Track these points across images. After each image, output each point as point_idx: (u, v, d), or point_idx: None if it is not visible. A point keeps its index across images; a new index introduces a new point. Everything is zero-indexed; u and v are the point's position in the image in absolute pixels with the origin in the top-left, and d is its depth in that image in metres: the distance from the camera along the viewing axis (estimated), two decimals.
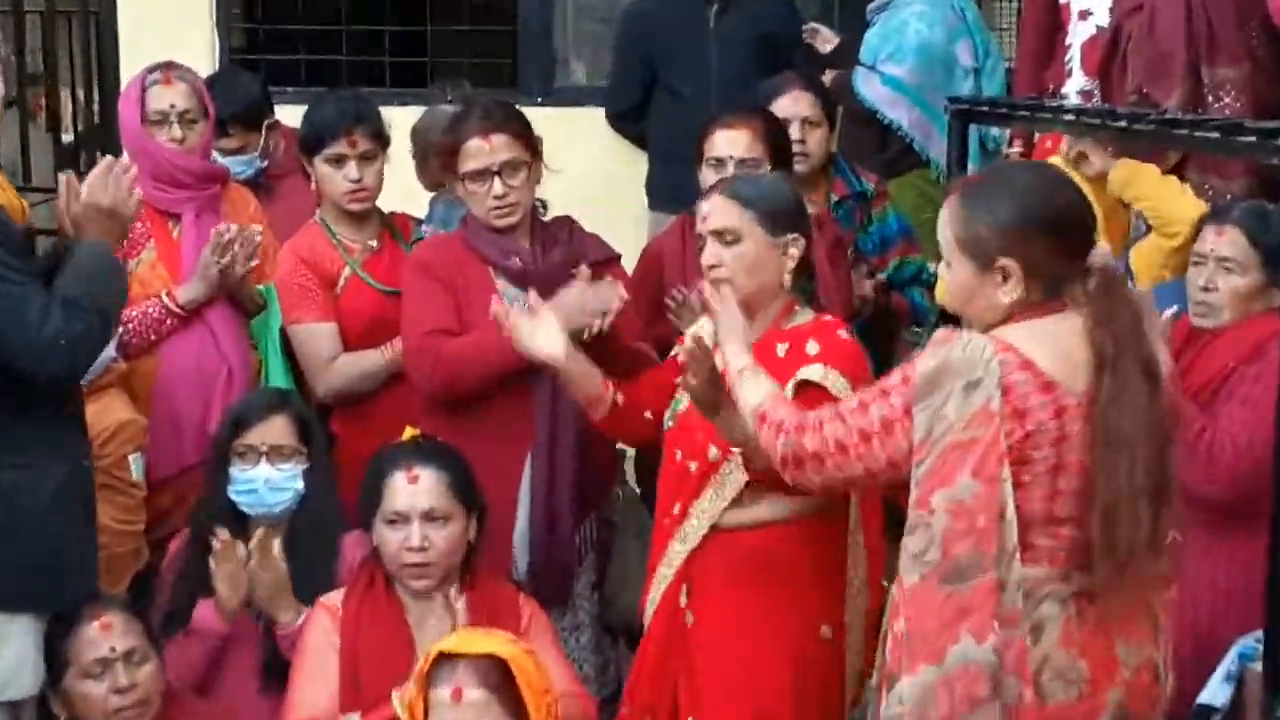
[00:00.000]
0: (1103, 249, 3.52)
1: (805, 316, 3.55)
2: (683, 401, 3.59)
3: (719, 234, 3.50)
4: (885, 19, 5.82)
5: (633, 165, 6.04)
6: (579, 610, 4.16)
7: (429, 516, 3.59)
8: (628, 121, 6.16)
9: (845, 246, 4.58)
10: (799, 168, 4.57)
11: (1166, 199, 4.40)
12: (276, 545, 3.74)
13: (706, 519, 3.51)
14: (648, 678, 3.60)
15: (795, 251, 3.51)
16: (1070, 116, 4.34)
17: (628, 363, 3.84)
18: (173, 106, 4.46)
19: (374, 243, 4.46)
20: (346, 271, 4.37)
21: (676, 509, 3.57)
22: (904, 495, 2.94)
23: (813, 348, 3.45)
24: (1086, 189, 3.40)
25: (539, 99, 6.18)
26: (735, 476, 3.46)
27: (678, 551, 3.56)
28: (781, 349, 3.41)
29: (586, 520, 4.16)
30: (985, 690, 2.79)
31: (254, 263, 4.39)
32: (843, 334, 3.57)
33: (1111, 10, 5.14)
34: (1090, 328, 2.89)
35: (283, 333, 4.46)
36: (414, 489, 3.61)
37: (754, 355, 3.25)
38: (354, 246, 4.43)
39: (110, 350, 4.04)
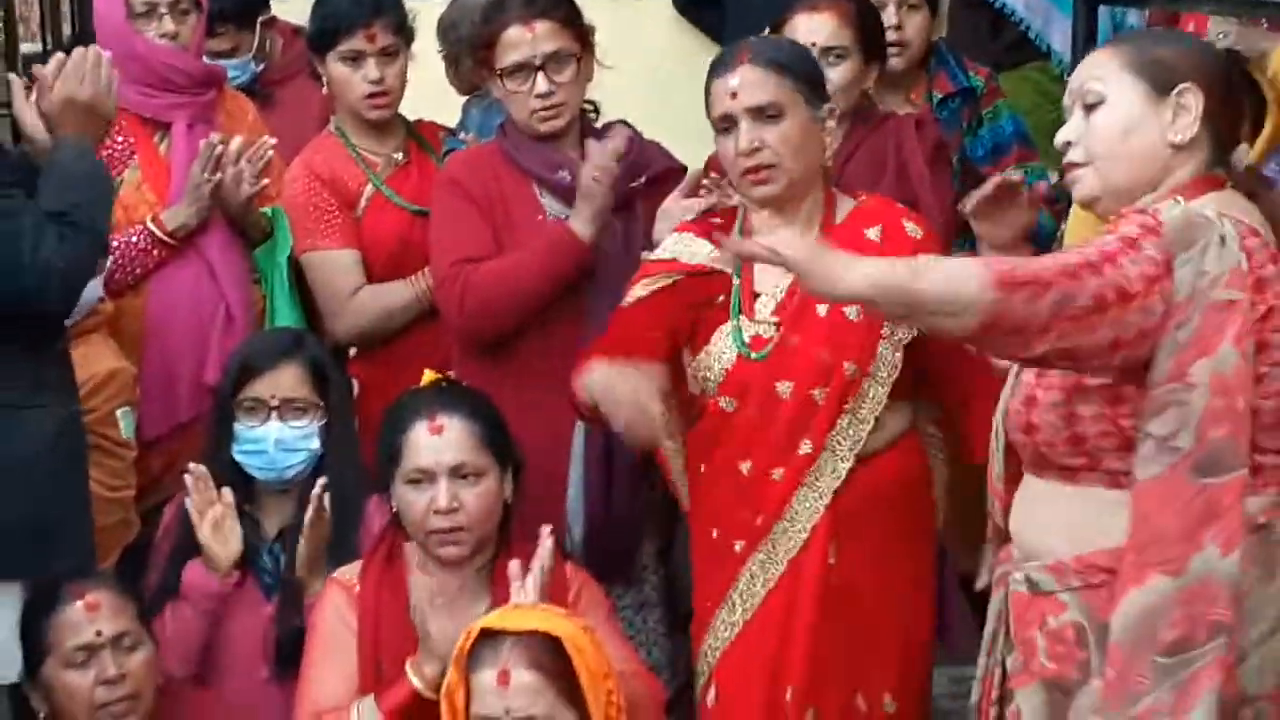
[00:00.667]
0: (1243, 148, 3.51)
1: (848, 204, 3.65)
2: (766, 325, 3.60)
3: (758, 111, 3.52)
4: None
5: (703, 63, 5.98)
6: (644, 585, 4.18)
7: (458, 473, 3.55)
8: (699, 7, 6.07)
9: (949, 151, 4.50)
10: (895, 60, 4.55)
11: None
12: (328, 501, 3.74)
13: (849, 448, 3.55)
14: (762, 652, 3.60)
15: (833, 125, 3.60)
16: None
17: None
18: None
19: (399, 155, 4.47)
20: (369, 189, 4.38)
21: (804, 449, 3.54)
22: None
23: (913, 229, 3.62)
24: None
25: None
26: (876, 390, 3.53)
27: (814, 500, 3.56)
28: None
29: (646, 483, 4.13)
30: (1229, 615, 2.74)
31: (264, 182, 4.35)
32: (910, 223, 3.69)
33: None
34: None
35: (292, 264, 4.44)
36: (439, 441, 3.56)
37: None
38: (376, 160, 4.43)
39: (96, 286, 4.00)
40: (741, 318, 3.65)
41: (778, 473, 3.60)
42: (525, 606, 3.33)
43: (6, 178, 3.53)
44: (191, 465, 3.80)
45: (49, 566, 3.59)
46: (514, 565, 3.43)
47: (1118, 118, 2.95)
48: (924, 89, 4.77)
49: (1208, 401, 2.76)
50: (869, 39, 4.28)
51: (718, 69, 3.68)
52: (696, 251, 3.70)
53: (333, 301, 4.42)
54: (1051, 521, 3.00)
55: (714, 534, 3.68)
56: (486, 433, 3.61)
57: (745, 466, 3.63)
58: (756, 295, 3.66)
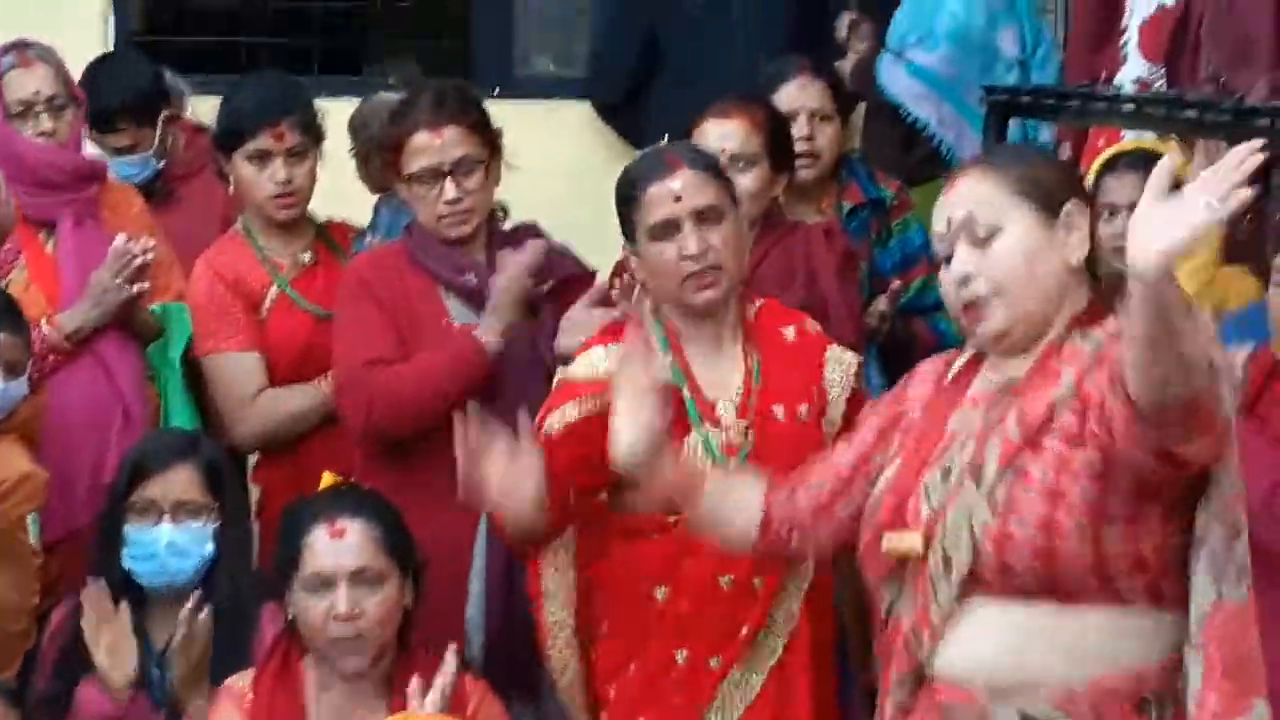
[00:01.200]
0: None
1: (752, 306, 3.72)
2: (735, 434, 3.61)
3: (701, 214, 3.54)
4: None
5: (620, 166, 6.02)
6: (547, 702, 4.02)
7: (359, 578, 3.53)
8: (618, 111, 6.11)
9: (858, 261, 4.55)
10: (805, 170, 4.62)
11: None
12: (206, 614, 3.69)
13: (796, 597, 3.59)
14: None
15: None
16: (1130, 106, 4.38)
17: None
18: (37, 93, 4.46)
19: (307, 256, 4.47)
20: (274, 291, 4.37)
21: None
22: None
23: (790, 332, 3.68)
24: None
25: (495, 90, 6.08)
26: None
27: (754, 669, 3.59)
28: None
29: None
30: None
31: (142, 286, 4.33)
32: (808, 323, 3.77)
33: None
34: None
35: (187, 364, 4.44)
36: (339, 545, 3.54)
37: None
38: (283, 261, 4.43)
39: (20, 385, 4.01)
40: (706, 426, 3.63)
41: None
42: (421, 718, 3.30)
43: None
44: (90, 581, 3.77)
45: None
46: (414, 683, 3.39)
47: (1020, 245, 2.90)
48: (834, 199, 4.82)
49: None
50: (778, 147, 4.35)
51: (650, 175, 3.68)
52: (591, 371, 3.68)
53: (233, 405, 4.38)
54: (1044, 647, 2.89)
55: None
56: (388, 536, 3.59)
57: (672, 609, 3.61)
58: (711, 402, 3.65)
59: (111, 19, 6.36)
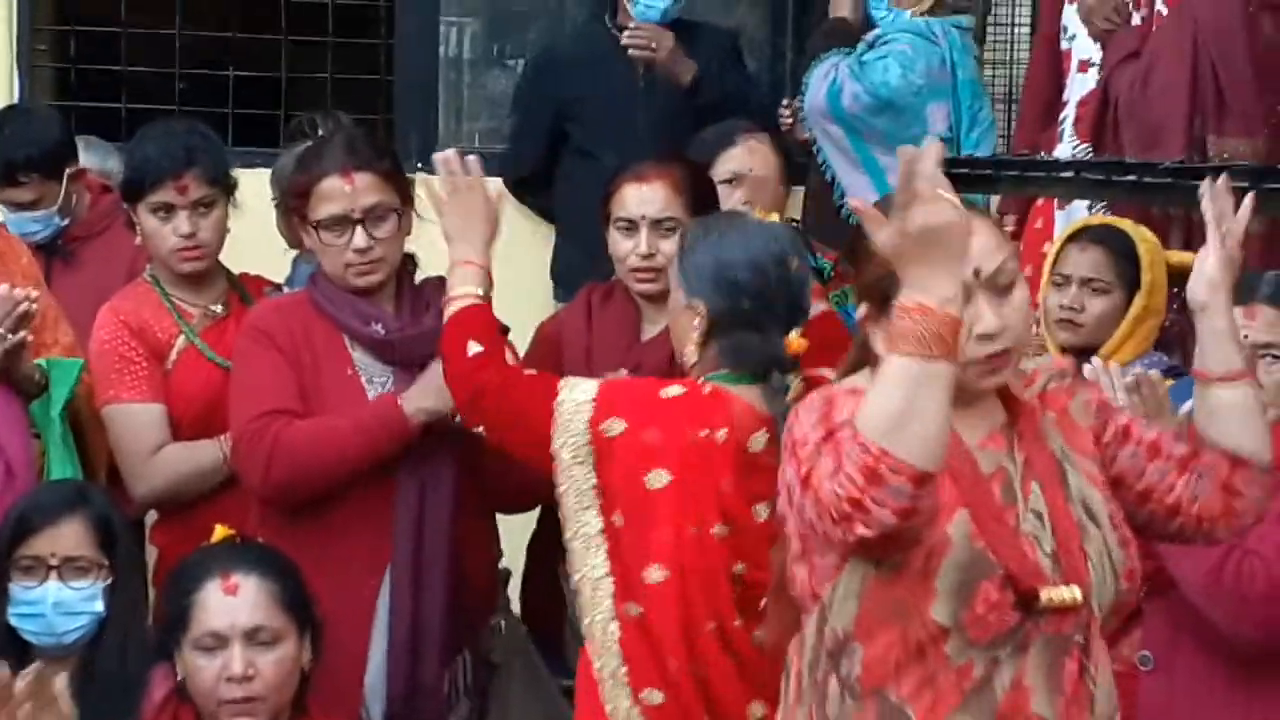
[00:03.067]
0: None
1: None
2: None
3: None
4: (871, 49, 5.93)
5: (536, 244, 6.07)
6: None
7: (254, 638, 3.50)
8: (530, 190, 6.19)
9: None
10: None
11: None
12: (61, 682, 3.51)
13: None
14: None
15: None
16: (1069, 174, 4.46)
17: None
18: None
19: (218, 308, 4.47)
20: (180, 341, 4.36)
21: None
22: None
23: None
24: None
25: (419, 164, 6.15)
26: None
27: None
28: None
29: (459, 658, 4.07)
30: None
31: (21, 335, 4.21)
32: None
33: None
34: None
35: (67, 419, 4.36)
36: (234, 603, 3.52)
37: None
38: (192, 312, 4.43)
39: None
40: None
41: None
42: None
43: None
44: None
45: None
46: None
47: (1026, 297, 2.92)
48: None
49: None
50: (702, 206, 4.31)
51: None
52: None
53: (133, 459, 4.35)
54: None
55: None
56: (285, 593, 3.57)
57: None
58: None
59: (17, 79, 6.35)
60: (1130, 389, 3.61)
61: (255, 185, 5.20)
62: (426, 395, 3.93)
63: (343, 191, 4.01)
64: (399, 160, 4.23)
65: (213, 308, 4.43)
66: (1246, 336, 3.98)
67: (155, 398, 4.32)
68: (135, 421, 4.34)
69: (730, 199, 4.66)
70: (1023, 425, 2.92)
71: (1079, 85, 5.53)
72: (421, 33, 6.75)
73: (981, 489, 2.87)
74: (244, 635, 3.49)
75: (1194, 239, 4.75)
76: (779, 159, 4.91)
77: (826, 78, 5.73)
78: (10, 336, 4.19)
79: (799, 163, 5.56)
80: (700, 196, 4.38)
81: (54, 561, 3.74)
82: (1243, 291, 4.16)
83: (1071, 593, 2.87)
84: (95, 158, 5.52)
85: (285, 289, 4.72)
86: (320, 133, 5.35)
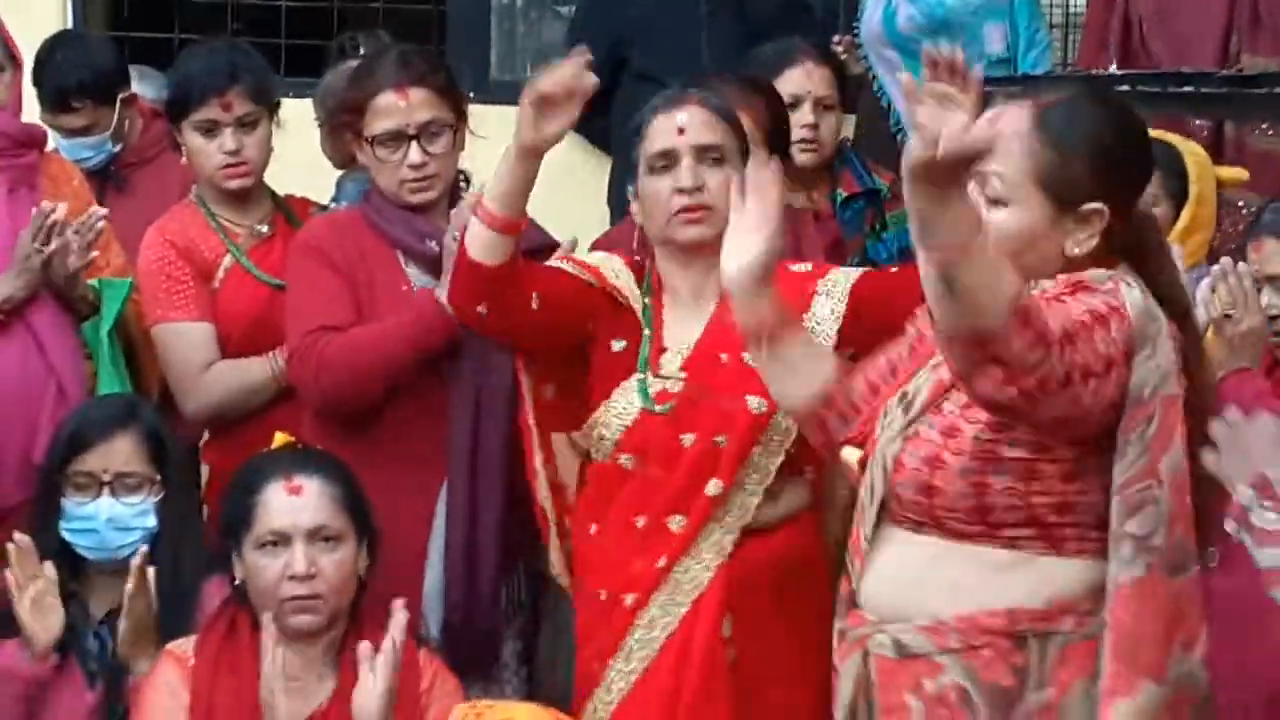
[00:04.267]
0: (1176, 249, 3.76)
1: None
2: (672, 367, 3.68)
3: (703, 150, 3.65)
4: None
5: (591, 172, 6.07)
6: (504, 685, 4.12)
7: (316, 536, 3.54)
8: (586, 117, 6.12)
9: (845, 251, 4.67)
10: (806, 156, 4.70)
11: None
12: (151, 574, 3.69)
13: (739, 514, 3.59)
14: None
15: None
16: (1125, 86, 4.44)
17: None
18: None
19: (264, 228, 4.47)
20: (227, 260, 4.37)
21: (677, 523, 3.61)
22: None
23: None
24: None
25: (471, 94, 6.16)
26: (767, 461, 3.60)
27: (697, 569, 3.59)
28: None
29: (514, 572, 4.12)
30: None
31: (93, 255, 4.31)
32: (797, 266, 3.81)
33: None
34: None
35: (122, 339, 4.45)
36: (297, 502, 3.55)
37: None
38: (238, 231, 4.44)
39: None
40: (648, 373, 3.70)
41: (676, 520, 3.64)
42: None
43: None
44: (16, 535, 3.74)
45: None
46: (364, 646, 3.41)
47: (1018, 229, 2.96)
48: (828, 188, 4.87)
49: (1170, 498, 2.88)
50: (773, 137, 4.32)
51: (660, 107, 3.78)
52: (619, 275, 3.80)
53: (183, 377, 4.37)
54: (929, 580, 3.02)
55: (602, 594, 3.72)
56: (345, 497, 3.60)
57: (640, 520, 3.67)
58: (664, 350, 3.73)
59: (70, 8, 6.37)
60: (1218, 278, 3.69)
61: (307, 114, 5.25)
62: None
63: (398, 107, 4.02)
64: (453, 77, 4.23)
65: (258, 227, 4.45)
66: (1257, 270, 4.09)
67: (203, 316, 4.34)
68: (184, 340, 4.36)
69: (790, 121, 4.60)
70: None
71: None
72: None
73: (908, 371, 3.17)
74: (306, 534, 3.52)
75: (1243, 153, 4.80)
76: (835, 80, 4.89)
77: (880, 1, 5.71)
78: (82, 256, 4.25)
79: (850, 94, 5.53)
80: (777, 125, 4.38)
81: (106, 477, 3.79)
82: (1249, 228, 4.19)
83: (851, 458, 3.17)
84: (149, 88, 5.48)
85: (331, 208, 4.72)
86: (363, 50, 5.39)
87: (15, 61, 4.52)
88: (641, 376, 3.69)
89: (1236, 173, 4.50)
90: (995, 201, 2.96)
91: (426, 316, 3.96)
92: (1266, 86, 3.85)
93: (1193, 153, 4.50)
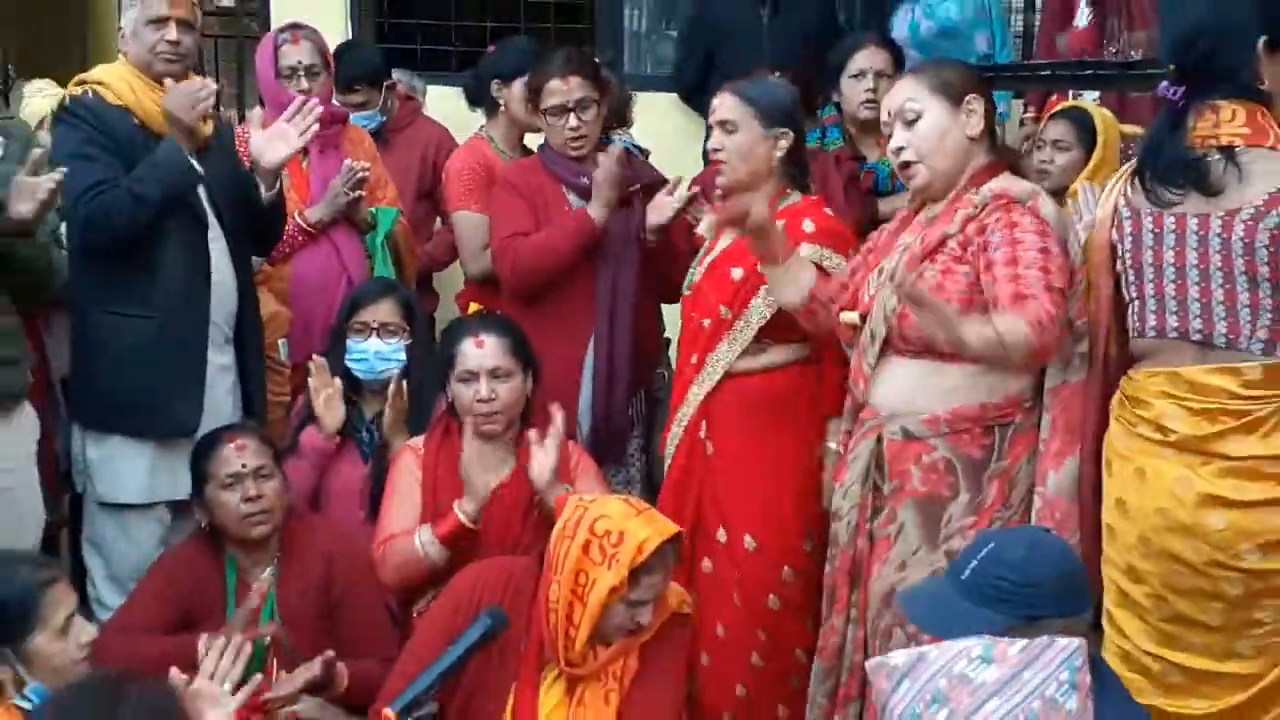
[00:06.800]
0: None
1: (795, 198, 3.60)
2: (698, 273, 3.66)
3: (721, 124, 3.56)
4: None
5: (694, 136, 5.87)
6: (630, 468, 4.18)
7: (494, 373, 3.53)
8: (694, 95, 6.03)
9: (859, 180, 4.47)
10: (867, 113, 4.47)
11: None
12: (405, 385, 3.80)
13: (721, 366, 3.55)
14: (671, 493, 3.63)
15: (784, 144, 3.56)
16: (1046, 72, 4.54)
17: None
18: (300, 63, 4.46)
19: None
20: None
21: (694, 360, 3.60)
22: None
23: (809, 225, 3.49)
24: None
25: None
26: (746, 332, 3.52)
27: (695, 394, 3.58)
28: (779, 225, 3.36)
29: (637, 395, 4.17)
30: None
31: (359, 193, 4.40)
32: (829, 211, 3.63)
33: None
34: None
35: (390, 246, 4.52)
36: (481, 351, 3.55)
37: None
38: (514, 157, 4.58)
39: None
40: (697, 266, 3.73)
41: (694, 359, 3.62)
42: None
43: (95, 152, 3.60)
44: (315, 356, 3.83)
45: (167, 427, 3.69)
46: (533, 431, 3.47)
47: (935, 126, 3.04)
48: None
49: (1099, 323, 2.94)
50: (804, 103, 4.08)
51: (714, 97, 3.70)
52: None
53: (470, 251, 4.45)
54: (927, 387, 3.03)
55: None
56: (514, 345, 3.60)
57: (685, 362, 3.68)
58: (703, 259, 3.71)
59: (350, 28, 6.33)
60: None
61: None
62: (599, 196, 4.00)
63: (561, 88, 4.05)
64: (598, 66, 4.22)
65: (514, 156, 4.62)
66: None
67: (486, 210, 4.32)
68: (473, 226, 4.41)
69: (857, 88, 4.49)
70: (940, 217, 3.06)
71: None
72: (612, 5, 6.35)
73: (877, 256, 3.23)
74: (488, 372, 3.53)
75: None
76: (891, 58, 4.59)
77: (906, 16, 5.38)
78: (353, 193, 4.39)
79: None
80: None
81: (375, 325, 3.86)
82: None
83: (850, 317, 3.14)
84: (404, 78, 5.52)
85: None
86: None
87: (329, 68, 4.56)
88: (695, 267, 3.71)
89: (1133, 128, 4.47)
90: (914, 120, 3.03)
91: (580, 225, 4.01)
92: (1140, 69, 3.86)
93: (1101, 114, 4.43)
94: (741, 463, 3.55)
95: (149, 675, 2.06)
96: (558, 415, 3.50)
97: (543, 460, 3.42)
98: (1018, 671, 1.80)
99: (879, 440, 3.09)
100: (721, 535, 3.57)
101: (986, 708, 1.79)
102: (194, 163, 3.66)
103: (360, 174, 4.41)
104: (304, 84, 4.45)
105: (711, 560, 3.57)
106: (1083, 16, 5.31)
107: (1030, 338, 2.79)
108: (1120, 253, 2.86)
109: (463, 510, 3.43)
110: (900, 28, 5.40)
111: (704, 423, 3.59)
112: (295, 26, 4.58)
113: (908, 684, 1.84)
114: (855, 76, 4.55)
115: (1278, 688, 2.74)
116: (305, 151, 4.43)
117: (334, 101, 4.69)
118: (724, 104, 3.60)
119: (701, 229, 3.75)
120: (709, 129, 3.65)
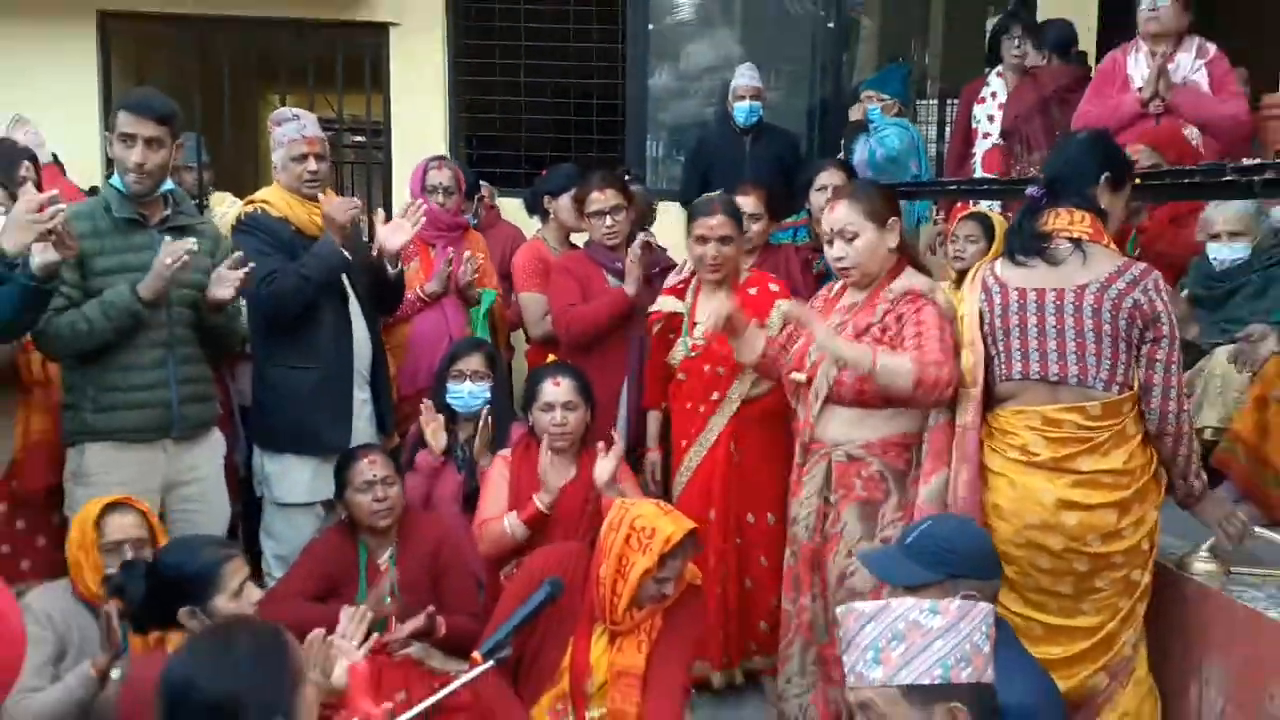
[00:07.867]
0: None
1: (746, 275, 3.72)
2: (691, 341, 3.69)
3: (722, 239, 3.59)
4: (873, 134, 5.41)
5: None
6: (648, 478, 3.98)
7: (566, 405, 3.50)
8: (686, 202, 5.69)
9: (811, 264, 4.44)
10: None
11: None
12: (490, 419, 3.74)
13: (737, 398, 3.64)
14: (696, 495, 3.64)
15: (745, 248, 3.69)
16: (954, 187, 4.49)
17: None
18: (439, 184, 4.43)
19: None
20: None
21: (715, 396, 3.62)
22: None
23: (774, 286, 3.64)
24: None
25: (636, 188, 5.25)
26: (741, 381, 3.66)
27: (718, 422, 3.62)
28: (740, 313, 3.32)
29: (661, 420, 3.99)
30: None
31: (472, 276, 4.38)
32: (772, 285, 3.72)
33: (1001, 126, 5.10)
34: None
35: (489, 319, 4.42)
36: (557, 389, 3.52)
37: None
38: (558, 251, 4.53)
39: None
40: (687, 335, 3.74)
41: (700, 407, 3.66)
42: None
43: (268, 249, 3.59)
44: (425, 401, 3.84)
45: (322, 448, 3.67)
46: (601, 444, 3.43)
47: (867, 244, 3.00)
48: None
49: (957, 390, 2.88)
50: (772, 210, 4.28)
51: (701, 211, 3.70)
52: (664, 306, 3.85)
53: (532, 321, 4.41)
54: (862, 424, 3.02)
55: (684, 443, 3.77)
56: (580, 386, 3.57)
57: (688, 404, 3.71)
58: (695, 324, 3.72)
59: (447, 145, 6.42)
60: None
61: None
62: (631, 278, 3.99)
63: (599, 198, 4.08)
64: (626, 183, 4.23)
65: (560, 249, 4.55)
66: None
67: (544, 291, 4.29)
68: (535, 303, 4.37)
69: (820, 199, 4.31)
70: (864, 305, 3.02)
71: (980, 146, 5.33)
72: (638, 139, 6.51)
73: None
74: (562, 404, 3.50)
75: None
76: (847, 177, 4.43)
77: (864, 147, 5.31)
78: (469, 277, 4.34)
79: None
80: (773, 203, 4.21)
81: (468, 372, 3.82)
82: None
83: (800, 377, 3.06)
84: (487, 191, 5.49)
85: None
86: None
87: (460, 187, 4.49)
88: (686, 339, 3.71)
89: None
90: (852, 238, 2.98)
91: (616, 300, 4.02)
92: (1017, 185, 3.87)
93: (996, 218, 4.36)
94: (764, 461, 3.59)
95: (297, 631, 2.03)
96: (619, 441, 3.48)
97: (606, 466, 3.41)
98: (954, 623, 1.81)
99: (829, 464, 3.06)
100: (750, 518, 3.63)
101: (933, 645, 1.82)
102: (345, 253, 3.68)
103: (479, 264, 4.45)
104: (440, 199, 4.41)
105: (741, 538, 3.62)
106: (980, 148, 5.30)
107: (914, 371, 2.79)
108: (990, 318, 2.83)
109: (540, 501, 3.41)
110: (861, 153, 5.38)
111: (732, 441, 3.62)
112: (440, 157, 4.57)
113: (872, 625, 1.84)
114: (819, 190, 4.50)
115: (1112, 636, 2.77)
116: (433, 245, 4.42)
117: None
118: (722, 222, 3.59)
119: (681, 308, 3.74)
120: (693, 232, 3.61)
